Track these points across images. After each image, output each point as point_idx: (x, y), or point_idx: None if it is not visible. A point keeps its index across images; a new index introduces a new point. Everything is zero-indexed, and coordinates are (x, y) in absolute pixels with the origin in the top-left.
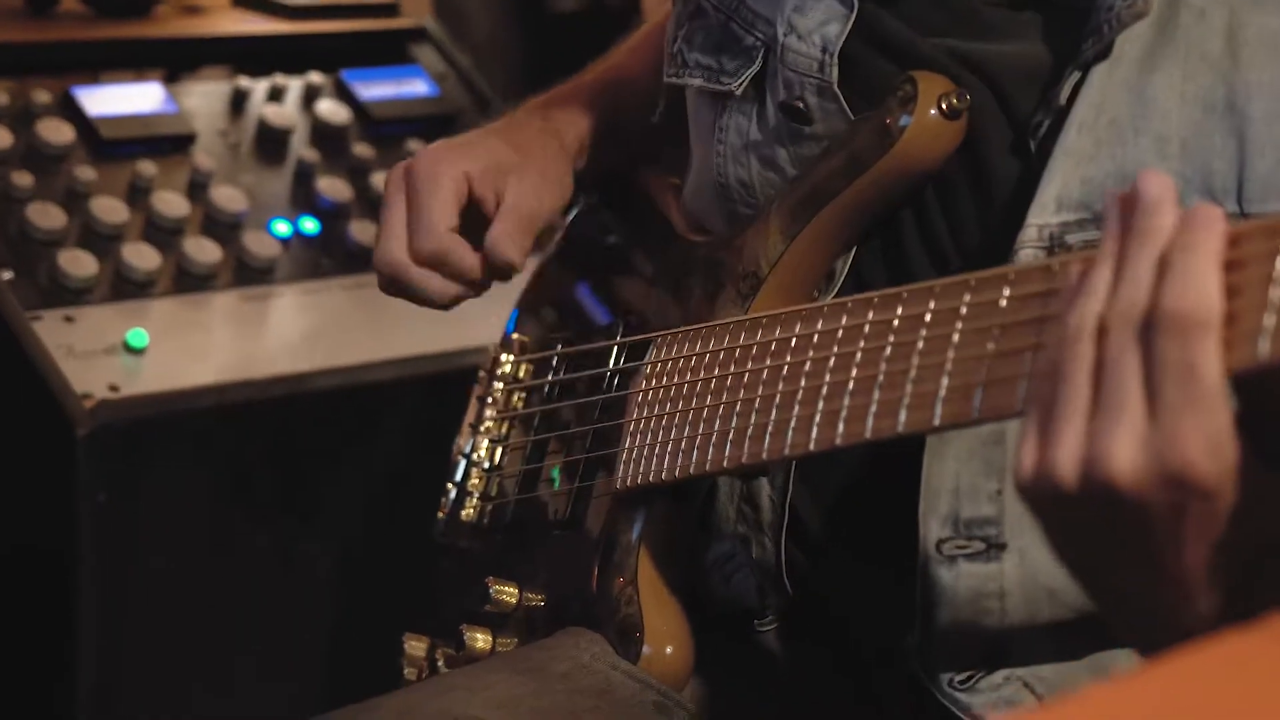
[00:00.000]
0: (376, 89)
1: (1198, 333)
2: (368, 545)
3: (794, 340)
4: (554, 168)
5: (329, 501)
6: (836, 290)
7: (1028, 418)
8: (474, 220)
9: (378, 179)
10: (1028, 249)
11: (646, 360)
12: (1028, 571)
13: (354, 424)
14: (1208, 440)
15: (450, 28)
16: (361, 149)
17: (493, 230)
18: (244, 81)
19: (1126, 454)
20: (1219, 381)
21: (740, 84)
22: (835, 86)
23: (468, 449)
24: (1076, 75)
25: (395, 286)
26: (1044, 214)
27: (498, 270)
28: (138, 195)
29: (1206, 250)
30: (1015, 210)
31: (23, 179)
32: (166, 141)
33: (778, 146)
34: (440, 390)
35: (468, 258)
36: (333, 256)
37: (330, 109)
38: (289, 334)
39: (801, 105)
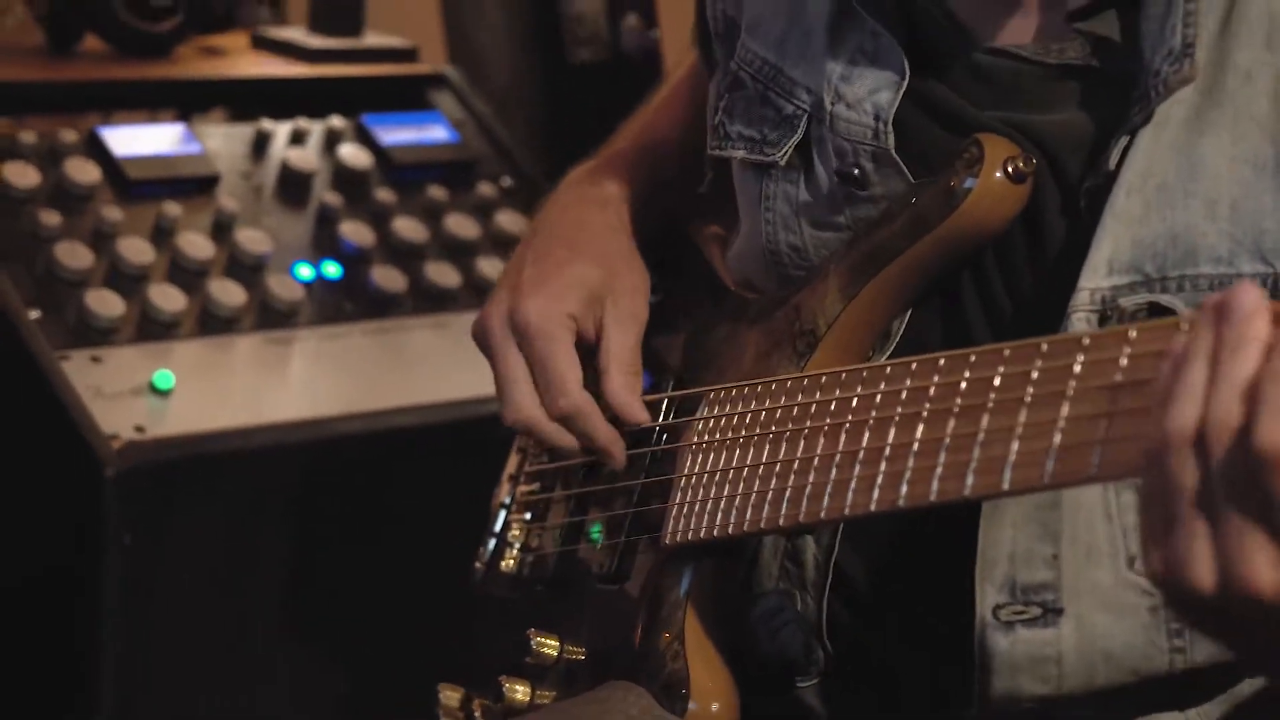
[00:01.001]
0: (397, 134)
1: None
2: (395, 593)
3: (856, 399)
4: (636, 273)
5: (353, 547)
6: (892, 349)
7: (1142, 517)
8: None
9: (399, 224)
10: (1081, 312)
11: (698, 416)
12: (1085, 636)
13: (376, 469)
14: None
15: (469, 75)
16: (383, 193)
17: (612, 389)
18: (266, 124)
19: (1264, 573)
20: None
21: (784, 154)
22: (893, 152)
23: (507, 500)
24: (1125, 140)
25: (529, 436)
26: (1095, 277)
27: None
28: (163, 236)
29: None
30: (1068, 271)
31: (50, 218)
32: (191, 183)
33: (833, 213)
34: (463, 437)
35: (599, 419)
36: (355, 301)
37: (352, 153)
38: (312, 378)
39: (858, 172)
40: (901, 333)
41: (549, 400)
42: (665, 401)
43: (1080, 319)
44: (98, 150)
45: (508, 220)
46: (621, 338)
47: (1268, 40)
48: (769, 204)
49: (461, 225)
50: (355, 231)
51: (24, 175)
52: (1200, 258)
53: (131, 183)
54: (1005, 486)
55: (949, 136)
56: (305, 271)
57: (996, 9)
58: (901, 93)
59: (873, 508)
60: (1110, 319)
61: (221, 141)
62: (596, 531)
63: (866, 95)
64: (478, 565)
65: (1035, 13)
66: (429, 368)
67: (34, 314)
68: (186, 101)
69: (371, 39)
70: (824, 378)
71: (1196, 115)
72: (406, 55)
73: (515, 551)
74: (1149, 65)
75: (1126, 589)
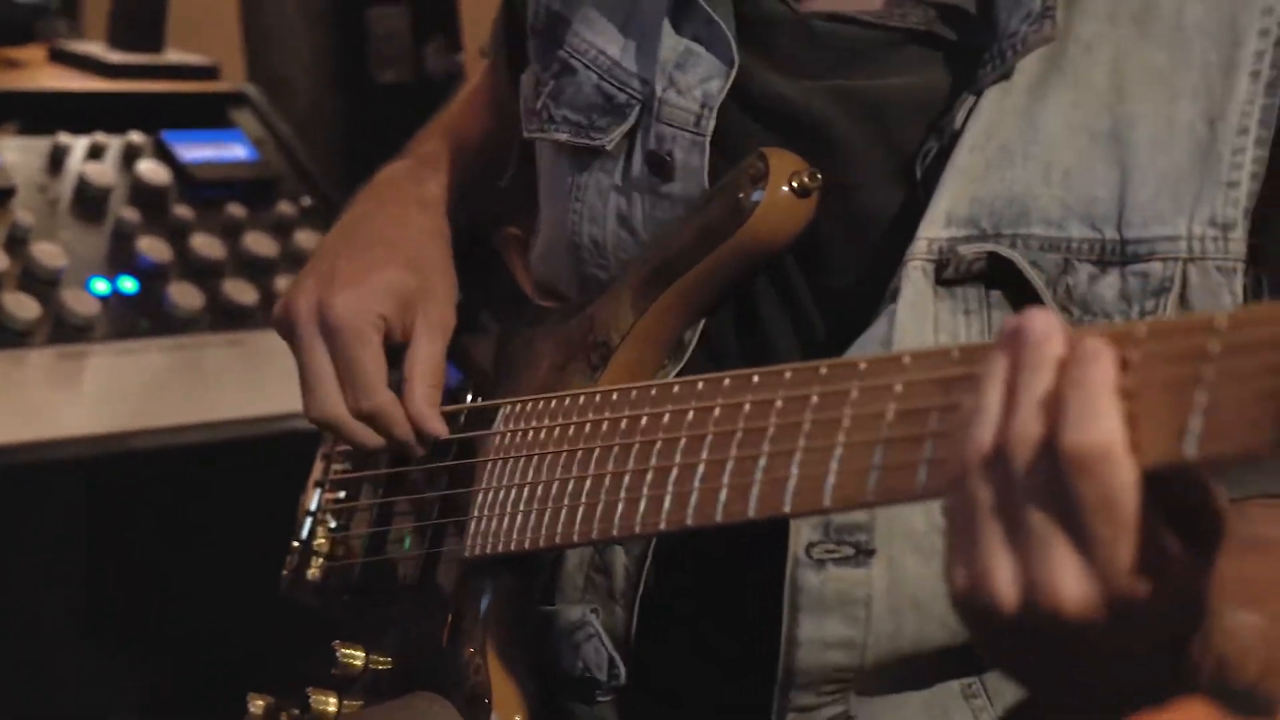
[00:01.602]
0: (197, 151)
1: (1105, 465)
2: (197, 606)
3: (644, 418)
4: (448, 280)
5: (152, 562)
6: (686, 359)
7: (947, 533)
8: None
9: (197, 240)
10: (918, 261)
11: (494, 430)
12: (895, 578)
13: (173, 486)
14: (1145, 560)
15: (270, 93)
16: (181, 210)
17: (413, 401)
18: (64, 138)
19: (1069, 585)
20: (1138, 507)
21: (612, 140)
22: (707, 142)
23: (313, 507)
24: (971, 99)
25: (331, 434)
26: (935, 228)
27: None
28: None
29: (1098, 383)
30: (895, 239)
31: None
32: None
33: (636, 199)
34: (260, 454)
35: (401, 420)
36: (151, 317)
37: (150, 169)
38: (107, 393)
39: (668, 158)
40: (695, 343)
41: (353, 399)
42: (464, 414)
43: (917, 267)
44: None
45: (306, 239)
46: (428, 347)
47: (1110, 15)
48: (579, 194)
49: (260, 243)
50: (152, 247)
51: None
52: (1033, 219)
53: None
54: (786, 509)
55: (763, 134)
56: (101, 286)
57: None
58: (730, 81)
59: (662, 527)
60: (949, 265)
61: (18, 154)
62: (408, 542)
63: (698, 83)
64: (284, 573)
65: None
66: (225, 385)
67: None
68: None
69: (172, 55)
70: (615, 394)
71: (1039, 81)
72: (207, 72)
73: (321, 560)
74: (1004, 28)
75: (939, 534)
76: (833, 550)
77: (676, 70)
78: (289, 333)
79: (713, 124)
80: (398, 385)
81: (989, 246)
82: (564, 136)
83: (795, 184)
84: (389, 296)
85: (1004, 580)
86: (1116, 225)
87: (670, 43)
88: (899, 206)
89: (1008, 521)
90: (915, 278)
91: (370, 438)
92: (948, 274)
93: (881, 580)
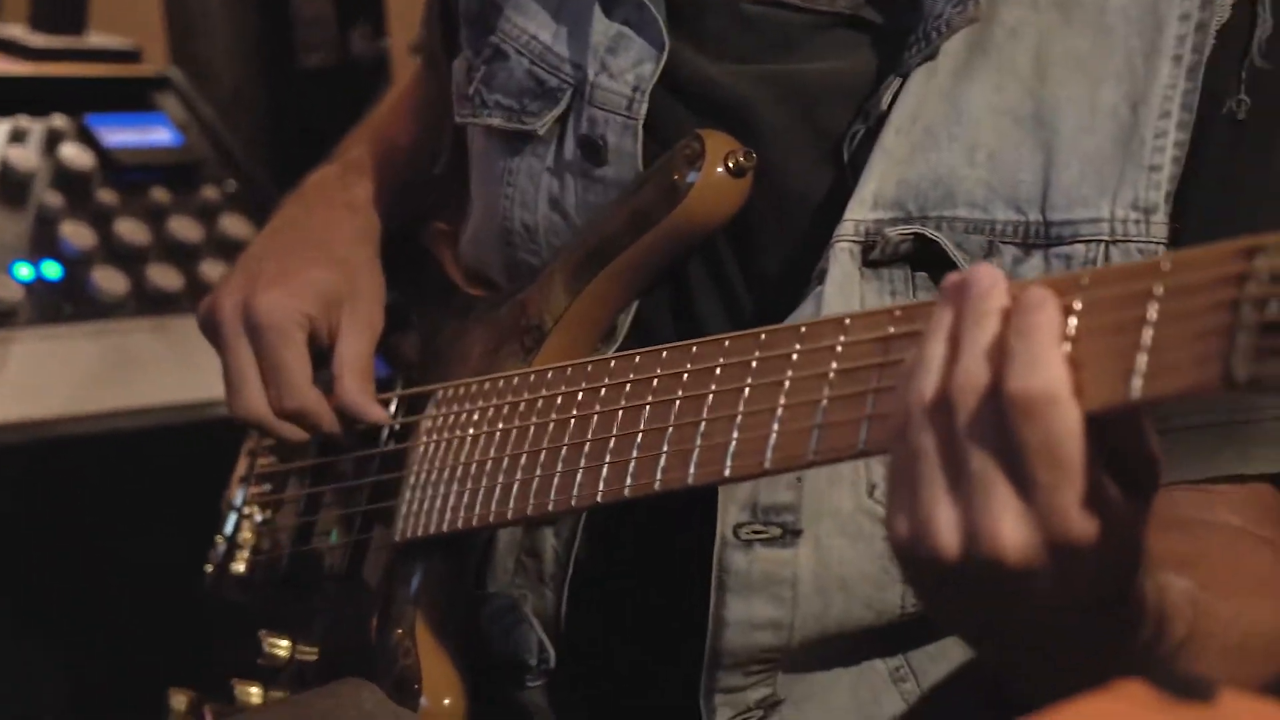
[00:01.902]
0: (120, 135)
1: (1050, 408)
2: (122, 596)
3: (581, 393)
4: (375, 283)
5: (77, 550)
6: (620, 343)
7: (890, 486)
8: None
9: (121, 225)
10: (845, 243)
11: (426, 414)
12: (821, 559)
13: (98, 472)
14: (1086, 505)
15: (195, 77)
16: (105, 195)
17: (345, 395)
18: None
19: (1010, 530)
20: (1081, 451)
21: (544, 125)
22: (639, 124)
23: (237, 501)
24: (897, 82)
25: (258, 431)
26: (862, 210)
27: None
28: None
29: (1043, 330)
30: (823, 221)
31: None
32: None
33: (568, 182)
34: (187, 440)
35: (328, 416)
36: (76, 302)
37: (74, 153)
38: (31, 379)
39: (601, 142)
40: (629, 324)
41: (277, 397)
42: (395, 401)
43: (844, 249)
44: None
45: (232, 224)
46: (355, 343)
47: (1033, 2)
48: (511, 178)
49: (185, 228)
50: (76, 232)
51: None
52: (958, 201)
53: None
54: (727, 474)
55: (693, 119)
56: (24, 271)
57: None
58: (661, 65)
59: (599, 499)
60: (875, 247)
61: None
62: (335, 522)
63: (630, 67)
64: (208, 568)
65: None
66: (151, 370)
67: None
68: None
69: (94, 38)
70: (550, 373)
71: (964, 65)
72: (129, 56)
73: (247, 554)
74: (930, 10)
75: (865, 516)
76: (760, 531)
77: (608, 54)
78: (214, 332)
79: (645, 108)
80: (327, 384)
81: (915, 228)
82: (496, 121)
83: (730, 164)
84: (314, 295)
85: (946, 527)
86: (1040, 208)
87: (601, 27)
88: (827, 189)
89: (950, 469)
90: (842, 259)
91: (296, 434)
92: (874, 255)
93: (808, 561)
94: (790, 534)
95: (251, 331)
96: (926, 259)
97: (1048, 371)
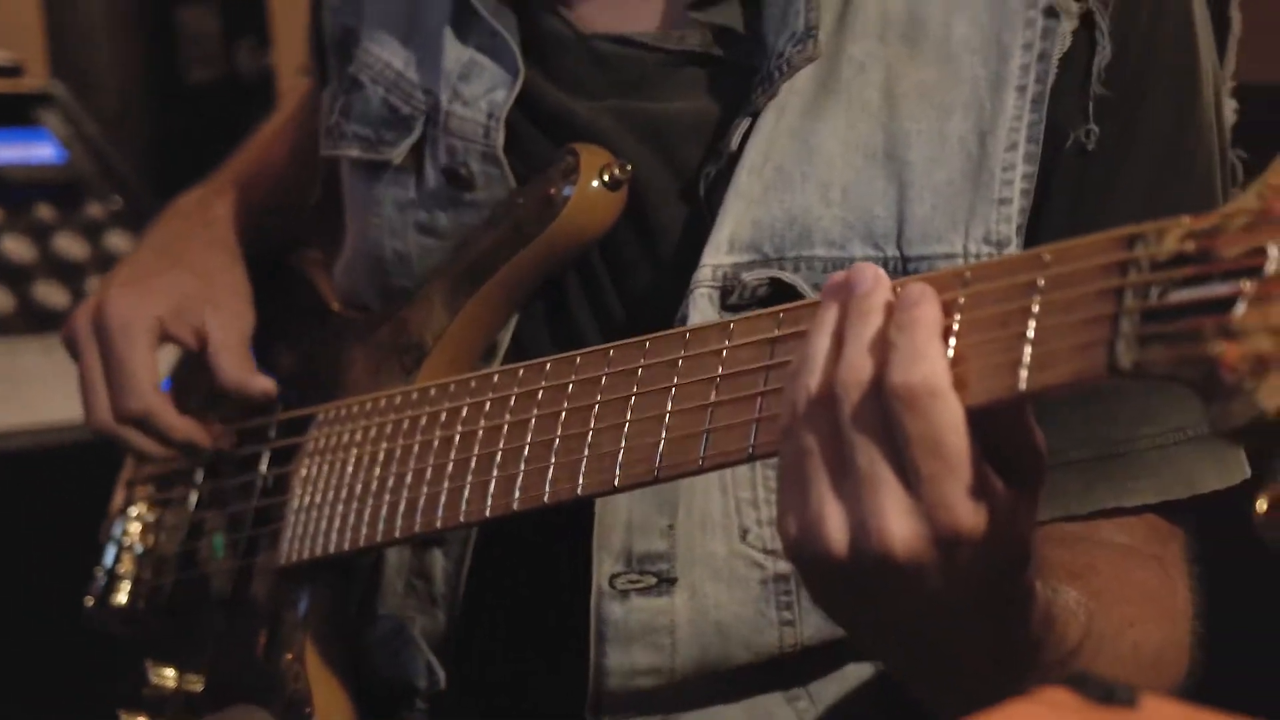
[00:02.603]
0: (3, 152)
1: (932, 400)
2: (4, 624)
3: (465, 409)
4: (237, 282)
5: None
6: (500, 359)
7: (779, 485)
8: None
9: (6, 243)
10: (703, 288)
11: (308, 436)
12: (698, 606)
13: None
14: (971, 496)
15: (77, 92)
16: None
17: (225, 372)
18: None
19: (896, 523)
20: (964, 443)
21: (400, 153)
22: (499, 152)
23: (116, 533)
24: (746, 122)
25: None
26: (718, 254)
27: (256, 401)
28: None
29: (924, 324)
30: (685, 258)
31: None
32: None
33: (438, 212)
34: (75, 461)
35: (173, 417)
36: None
37: None
38: None
39: (465, 171)
40: (509, 342)
41: (120, 402)
42: (274, 425)
43: (703, 294)
44: None
45: (118, 241)
46: (225, 332)
47: (880, 34)
48: (377, 208)
49: (70, 246)
50: None
51: None
52: (815, 240)
53: None
54: (616, 483)
55: (554, 144)
56: None
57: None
58: (516, 91)
59: (488, 514)
60: (733, 292)
61: None
62: (219, 547)
63: (482, 94)
64: (89, 601)
65: (655, 1)
66: (38, 388)
67: None
68: None
69: None
70: (432, 390)
71: (813, 103)
72: (10, 71)
73: (128, 585)
74: (772, 48)
75: (739, 560)
76: (636, 580)
77: (460, 81)
78: (70, 344)
79: (501, 135)
80: (206, 396)
81: (771, 272)
82: (355, 152)
83: (606, 177)
84: (165, 296)
85: (834, 524)
86: (896, 243)
87: (454, 53)
88: (684, 222)
89: (836, 465)
90: (702, 305)
91: (145, 443)
92: (732, 300)
93: (684, 608)
94: (665, 582)
95: (99, 335)
96: (784, 300)
97: (928, 364)
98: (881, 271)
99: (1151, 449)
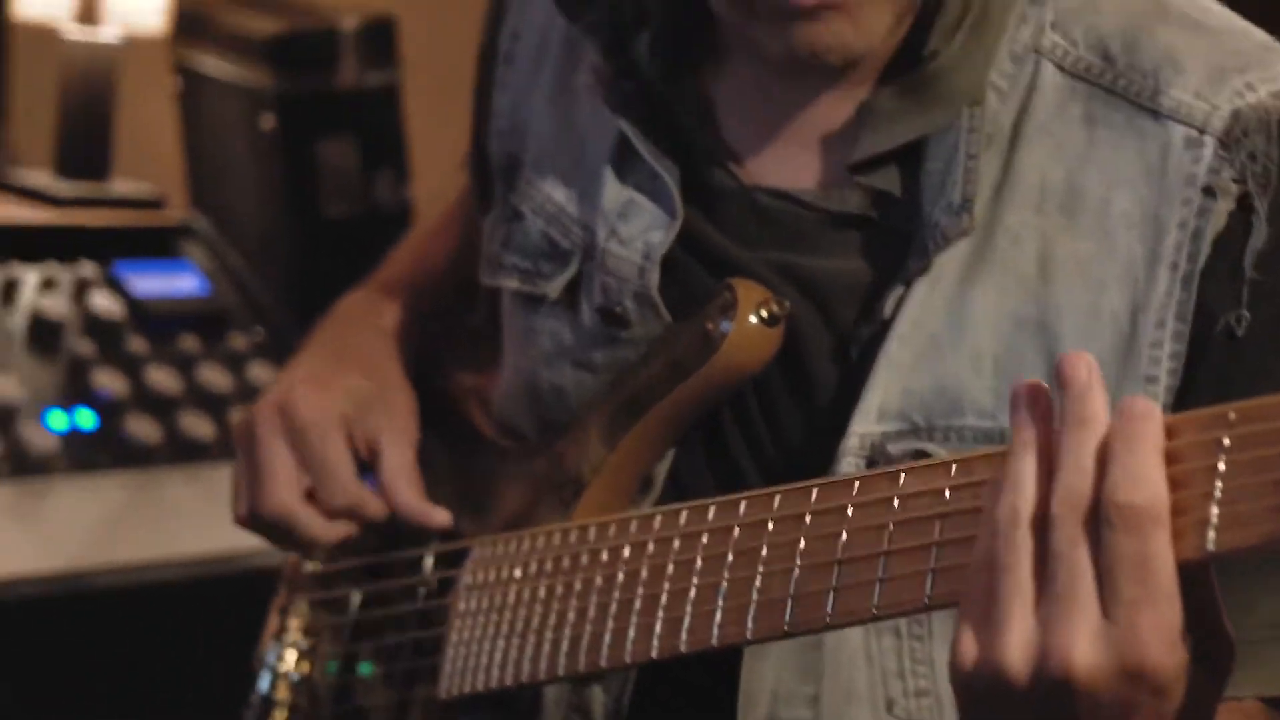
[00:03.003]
0: (148, 283)
1: (1151, 526)
2: None
3: (628, 548)
4: (408, 397)
5: (112, 702)
6: (657, 494)
7: (962, 612)
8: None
9: (153, 374)
10: (851, 456)
11: (465, 568)
12: None
13: (133, 623)
14: (1166, 635)
15: (218, 224)
16: (136, 343)
17: (403, 502)
18: (15, 269)
19: (1084, 647)
20: (1173, 575)
21: (556, 288)
22: (654, 293)
23: (271, 659)
24: (900, 290)
25: (276, 531)
26: (866, 422)
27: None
28: None
29: (1149, 442)
30: (838, 415)
31: None
32: None
33: (593, 351)
34: (221, 591)
35: (378, 507)
36: (110, 450)
37: (103, 302)
38: (68, 529)
39: (620, 310)
40: (664, 478)
41: (328, 494)
42: (432, 555)
43: (850, 463)
44: None
45: (261, 372)
46: (399, 450)
47: (1038, 205)
48: (535, 339)
49: (214, 377)
50: (109, 381)
51: None
52: (966, 409)
53: None
54: (786, 629)
55: (714, 280)
56: (58, 421)
57: (778, 151)
58: (674, 233)
59: (654, 655)
60: (878, 464)
61: None
62: (376, 678)
63: (639, 234)
64: None
65: (817, 159)
66: (185, 520)
67: None
68: None
69: (119, 185)
70: (593, 527)
71: (967, 271)
72: (153, 204)
73: (284, 713)
74: (928, 218)
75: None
76: None
77: (619, 220)
78: (248, 435)
79: (657, 277)
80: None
81: (919, 444)
82: (514, 284)
83: (764, 313)
84: (350, 398)
85: (1018, 643)
86: None
87: (614, 192)
88: (837, 380)
89: (1031, 585)
90: (848, 473)
91: (326, 531)
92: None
93: None
94: None
95: (291, 432)
96: None
97: (1153, 488)
98: (1094, 362)
99: None
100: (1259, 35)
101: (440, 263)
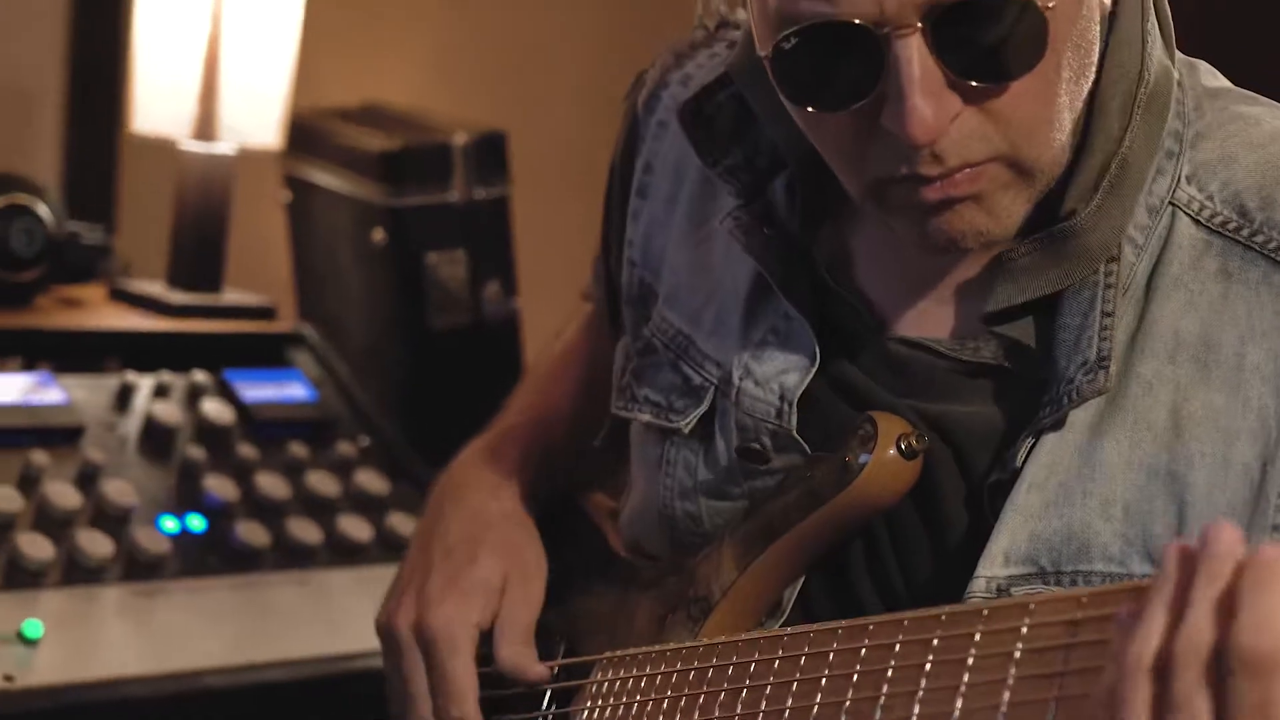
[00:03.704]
0: (258, 390)
1: (1274, 671)
2: None
3: (753, 664)
4: (534, 554)
5: None
6: (784, 619)
7: None
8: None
9: (261, 479)
10: (977, 598)
11: (592, 679)
12: None
13: None
14: None
15: (326, 334)
16: (245, 449)
17: (504, 657)
18: (130, 376)
19: None
20: None
21: (689, 423)
22: (794, 433)
23: None
24: (1031, 440)
25: None
26: (993, 567)
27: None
28: (29, 485)
29: (1277, 589)
30: (966, 557)
31: None
32: (56, 433)
33: (729, 484)
34: (325, 692)
35: None
36: (219, 554)
37: (214, 408)
38: (178, 630)
39: (758, 447)
40: (793, 602)
41: (443, 707)
42: (557, 668)
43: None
44: None
45: (367, 479)
46: (515, 615)
47: (1171, 355)
48: (669, 469)
49: (322, 483)
50: (219, 486)
51: None
52: (1094, 555)
53: None
54: None
55: (854, 414)
56: (170, 524)
57: (914, 301)
58: (810, 376)
59: None
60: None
61: (86, 392)
62: None
63: (775, 375)
64: None
65: (951, 308)
66: (292, 623)
67: None
68: (50, 351)
69: (230, 295)
70: (720, 645)
71: (1100, 421)
72: (265, 313)
73: None
74: (1063, 373)
75: None
76: None
77: (753, 360)
78: (392, 644)
79: (795, 419)
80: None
81: (1045, 588)
82: (646, 417)
83: (903, 446)
84: (480, 594)
85: None
86: None
87: (748, 331)
88: (967, 523)
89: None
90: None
91: None
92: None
93: None
94: None
95: (424, 646)
96: None
97: (1277, 632)
98: (1239, 534)
99: None
100: None
101: (562, 401)
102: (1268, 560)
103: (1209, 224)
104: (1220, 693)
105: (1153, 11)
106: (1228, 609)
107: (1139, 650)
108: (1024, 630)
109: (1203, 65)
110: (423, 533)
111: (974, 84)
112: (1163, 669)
